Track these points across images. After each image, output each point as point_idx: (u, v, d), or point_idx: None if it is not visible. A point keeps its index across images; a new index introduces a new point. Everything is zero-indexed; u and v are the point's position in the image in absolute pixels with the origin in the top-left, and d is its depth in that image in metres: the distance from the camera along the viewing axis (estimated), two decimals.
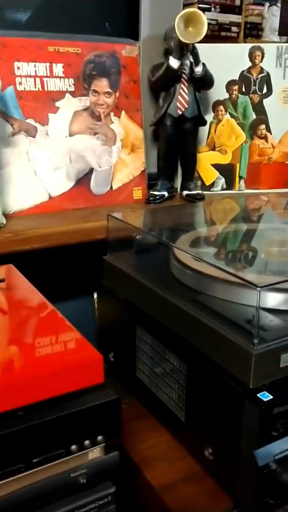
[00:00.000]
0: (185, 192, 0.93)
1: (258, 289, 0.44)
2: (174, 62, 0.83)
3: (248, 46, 0.96)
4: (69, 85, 0.82)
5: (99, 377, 0.41)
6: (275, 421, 0.47)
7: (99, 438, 0.43)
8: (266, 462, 0.47)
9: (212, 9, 2.34)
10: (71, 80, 0.82)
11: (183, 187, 0.95)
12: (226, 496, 0.52)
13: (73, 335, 0.44)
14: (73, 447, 0.41)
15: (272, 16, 2.42)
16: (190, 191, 0.93)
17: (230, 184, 1.01)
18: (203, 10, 2.26)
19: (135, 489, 0.59)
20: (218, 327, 0.49)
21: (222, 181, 1.00)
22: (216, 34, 2.31)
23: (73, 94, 0.83)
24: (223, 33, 2.36)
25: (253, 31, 2.55)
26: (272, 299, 0.51)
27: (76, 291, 0.93)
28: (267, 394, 0.47)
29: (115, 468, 0.45)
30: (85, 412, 0.41)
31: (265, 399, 0.46)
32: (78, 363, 0.41)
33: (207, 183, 1.00)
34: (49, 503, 0.42)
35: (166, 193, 0.91)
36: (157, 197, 0.89)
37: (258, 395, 0.47)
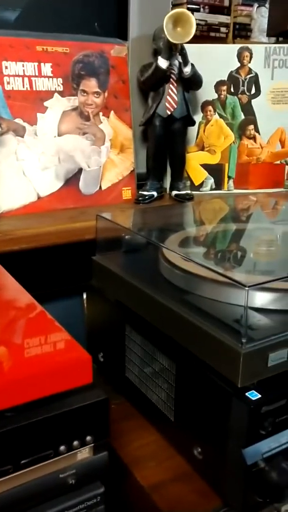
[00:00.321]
0: (174, 192, 0.93)
1: (246, 288, 0.44)
2: (163, 62, 0.83)
3: (237, 46, 0.97)
4: (58, 85, 0.82)
5: (88, 377, 0.41)
6: (263, 420, 0.48)
7: (88, 438, 0.43)
8: (254, 461, 0.48)
9: (201, 9, 2.34)
10: (60, 80, 0.82)
11: (172, 187, 0.95)
12: (215, 495, 0.53)
13: (62, 335, 0.44)
14: (62, 447, 0.41)
15: (260, 17, 2.44)
16: (179, 191, 0.93)
17: (219, 184, 1.01)
18: (192, 10, 2.27)
19: (125, 489, 0.59)
20: (207, 327, 0.49)
21: (211, 181, 1.00)
22: (205, 35, 2.32)
23: (61, 94, 0.83)
24: (212, 34, 2.37)
25: (242, 32, 2.56)
26: (260, 299, 0.51)
27: (66, 291, 0.93)
28: (256, 393, 0.47)
29: (104, 468, 0.45)
30: (74, 412, 0.41)
31: (253, 398, 0.47)
32: (67, 364, 0.41)
33: (196, 183, 1.00)
34: (38, 504, 0.41)
35: (155, 193, 0.91)
36: (146, 197, 0.90)
37: (246, 394, 0.47)
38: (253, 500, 0.49)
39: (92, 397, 0.42)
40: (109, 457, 0.46)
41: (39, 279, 0.88)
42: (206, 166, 1.00)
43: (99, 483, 0.45)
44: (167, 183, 0.97)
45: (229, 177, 1.01)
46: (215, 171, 1.00)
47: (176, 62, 0.86)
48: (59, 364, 0.40)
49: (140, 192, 0.91)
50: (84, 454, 0.43)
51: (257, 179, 1.02)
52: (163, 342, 0.57)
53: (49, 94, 0.81)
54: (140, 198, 0.89)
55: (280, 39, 1.24)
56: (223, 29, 2.45)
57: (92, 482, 0.44)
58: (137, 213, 0.85)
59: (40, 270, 0.87)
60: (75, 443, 0.42)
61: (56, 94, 0.82)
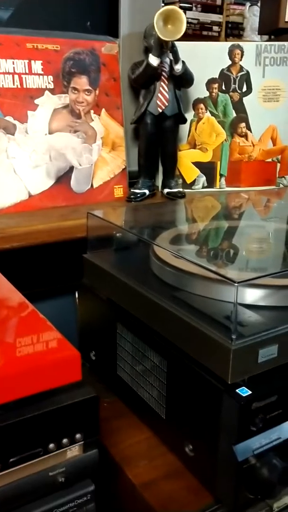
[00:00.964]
0: (166, 190, 0.93)
1: (236, 284, 0.44)
2: (153, 60, 0.83)
3: (228, 44, 0.97)
4: (48, 82, 0.82)
5: (77, 374, 0.41)
6: (254, 416, 0.48)
7: (78, 436, 0.42)
8: (245, 457, 0.48)
9: (194, 8, 2.34)
10: (50, 77, 0.82)
11: (164, 185, 0.95)
12: (207, 492, 0.53)
13: (51, 333, 0.44)
14: (51, 445, 0.41)
15: (253, 16, 2.44)
16: (171, 189, 0.93)
17: (211, 182, 1.01)
18: (185, 9, 2.26)
19: (116, 487, 0.59)
20: (197, 323, 0.49)
21: (203, 179, 1.00)
22: (198, 34, 2.32)
23: (52, 91, 0.82)
24: (204, 33, 2.37)
25: (235, 31, 2.57)
26: (251, 295, 0.51)
27: (58, 290, 0.92)
28: (246, 389, 0.47)
29: (94, 466, 0.44)
30: (63, 410, 0.41)
31: (243, 395, 0.47)
32: (55, 361, 0.40)
33: (188, 181, 1.00)
34: (27, 502, 0.41)
35: (147, 191, 0.91)
36: (138, 195, 0.89)
37: (236, 390, 0.47)
38: (244, 497, 0.49)
39: (81, 394, 0.42)
40: (100, 455, 0.46)
41: (31, 278, 0.87)
42: (198, 164, 1.00)
43: (90, 481, 0.45)
44: (159, 181, 0.97)
45: (221, 175, 1.01)
46: (207, 169, 1.00)
47: (167, 60, 0.86)
48: (48, 361, 0.40)
49: (131, 190, 0.91)
50: (74, 452, 0.43)
51: (249, 177, 1.02)
52: (154, 339, 0.57)
53: (39, 92, 0.81)
54: (131, 196, 0.89)
55: (272, 37, 1.24)
56: (215, 28, 2.45)
57: (82, 480, 0.44)
58: (128, 211, 0.85)
59: (32, 269, 0.87)
60: (65, 441, 0.42)
61: (46, 92, 0.82)
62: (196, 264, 0.53)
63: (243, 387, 0.47)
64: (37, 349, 0.42)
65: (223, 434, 0.48)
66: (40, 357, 0.40)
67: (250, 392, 0.47)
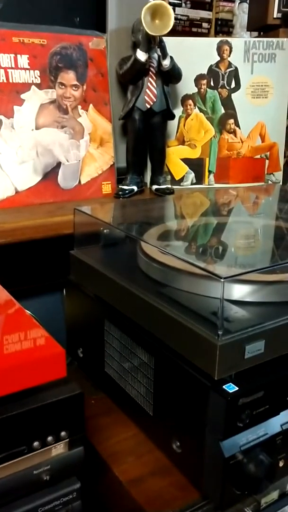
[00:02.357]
0: (154, 187, 0.93)
1: (222, 280, 0.44)
2: (141, 55, 0.82)
3: (216, 40, 0.97)
4: (35, 77, 0.81)
5: (62, 371, 0.40)
6: (240, 412, 0.47)
7: (63, 433, 0.42)
8: (232, 453, 0.48)
9: (183, 4, 2.34)
10: (37, 72, 0.81)
11: (153, 182, 0.94)
12: (194, 488, 0.52)
13: (36, 330, 0.43)
14: (36, 443, 0.40)
15: (242, 13, 2.44)
16: (159, 185, 0.93)
17: (199, 179, 1.01)
18: (174, 5, 2.25)
19: (103, 484, 0.58)
20: (183, 319, 0.48)
21: (191, 175, 1.00)
22: (187, 30, 2.30)
23: (39, 86, 0.81)
24: (194, 29, 2.36)
25: (224, 28, 2.56)
26: (237, 291, 0.51)
27: (47, 287, 0.92)
28: (233, 385, 0.47)
29: (80, 463, 0.44)
30: (48, 407, 0.40)
31: (230, 391, 0.46)
32: (40, 358, 0.40)
33: (177, 178, 1.00)
34: (11, 501, 0.41)
35: (135, 188, 0.90)
36: (126, 191, 0.89)
37: (223, 386, 0.47)
38: (231, 493, 0.49)
39: (66, 391, 0.42)
40: (87, 452, 0.45)
41: (18, 275, 0.87)
42: (186, 161, 0.99)
43: (75, 479, 0.45)
44: (148, 177, 0.97)
45: (209, 172, 1.01)
46: (195, 165, 1.00)
47: (155, 55, 0.85)
48: (32, 358, 0.39)
49: (120, 186, 0.90)
50: (59, 449, 0.42)
51: (237, 174, 1.02)
52: (142, 336, 0.56)
53: (26, 87, 0.80)
54: (120, 193, 0.88)
55: (262, 33, 1.24)
56: (205, 25, 2.44)
57: (67, 477, 0.44)
58: (116, 207, 0.84)
59: (19, 266, 0.86)
60: (50, 438, 0.41)
61: (33, 87, 0.81)
62: (182, 259, 0.53)
63: (230, 383, 0.47)
64: (21, 346, 0.41)
65: (209, 430, 0.48)
66: (25, 354, 0.40)
67: (237, 388, 0.47)
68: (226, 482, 0.48)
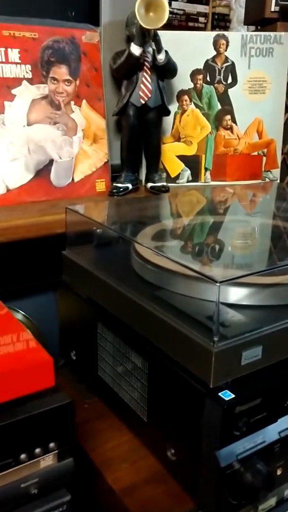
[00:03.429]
0: (149, 184, 0.91)
1: (218, 284, 0.42)
2: (135, 49, 0.80)
3: (212, 34, 0.94)
4: (26, 72, 0.78)
5: (50, 380, 0.38)
6: (237, 421, 0.46)
7: (52, 445, 0.40)
8: (228, 463, 0.46)
9: None
10: (28, 67, 0.79)
11: (148, 179, 0.92)
12: (189, 497, 0.51)
13: (22, 335, 0.42)
14: (23, 456, 0.39)
15: (239, 8, 2.41)
16: (154, 183, 0.91)
17: (195, 176, 0.99)
18: None
19: (96, 493, 0.57)
20: (178, 324, 0.47)
21: (187, 172, 0.98)
22: (184, 25, 2.28)
23: (30, 81, 0.79)
24: (190, 24, 2.33)
25: (221, 22, 2.54)
26: (234, 294, 0.49)
27: (40, 286, 0.90)
28: (229, 392, 0.45)
29: (70, 475, 0.42)
30: (36, 418, 0.39)
31: (226, 398, 0.45)
32: (26, 366, 0.38)
33: (173, 175, 0.98)
34: None
35: (130, 185, 0.88)
36: (121, 189, 0.87)
37: (219, 394, 0.45)
38: (227, 502, 0.47)
39: (55, 401, 0.40)
40: (79, 460, 0.43)
41: (10, 274, 0.85)
42: (182, 158, 0.97)
43: (65, 491, 0.43)
44: (143, 175, 0.95)
45: (206, 169, 0.99)
46: (191, 162, 0.98)
47: (150, 49, 0.83)
48: (18, 366, 0.38)
49: (114, 184, 0.88)
50: (47, 461, 0.40)
51: (234, 171, 1.00)
52: (136, 340, 0.55)
53: (17, 82, 0.78)
54: (114, 191, 0.86)
55: (259, 28, 1.22)
56: (201, 19, 2.42)
57: (57, 490, 0.42)
58: (110, 206, 0.82)
59: (11, 265, 0.84)
60: (38, 450, 0.39)
61: (24, 82, 0.79)
62: (176, 262, 0.51)
63: (226, 390, 0.46)
64: (7, 353, 0.39)
65: (205, 439, 0.46)
66: (10, 362, 0.38)
67: (233, 396, 0.45)
68: (222, 492, 0.47)
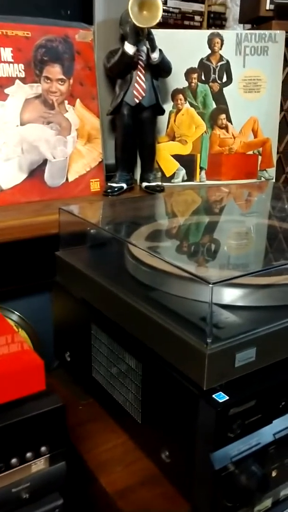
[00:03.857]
0: (144, 184, 0.90)
1: (210, 285, 0.42)
2: (129, 48, 0.80)
3: (207, 32, 0.94)
4: (19, 71, 0.78)
5: (41, 384, 0.38)
6: (231, 423, 0.45)
7: (43, 449, 0.40)
8: (223, 465, 0.46)
9: None
10: (21, 66, 0.78)
11: (143, 179, 0.92)
12: (184, 499, 0.50)
13: (13, 339, 0.41)
14: (14, 460, 0.38)
15: (235, 6, 2.41)
16: (149, 182, 0.90)
17: (191, 175, 0.98)
18: None
19: (90, 496, 0.56)
20: (171, 326, 0.46)
21: (182, 172, 0.98)
22: (179, 23, 2.27)
23: (23, 80, 0.78)
24: (186, 22, 2.32)
25: (217, 21, 2.53)
26: (228, 295, 0.49)
27: (35, 286, 0.89)
28: (223, 394, 0.45)
29: (62, 479, 0.42)
30: (27, 421, 0.38)
31: (220, 400, 0.44)
32: (17, 370, 0.37)
33: (168, 175, 0.97)
34: None
35: (124, 185, 0.88)
36: (115, 189, 0.86)
37: (213, 396, 0.45)
38: (222, 505, 0.47)
39: (47, 404, 0.40)
40: (73, 463, 0.43)
41: (5, 275, 0.84)
42: (177, 157, 0.97)
43: (58, 495, 0.43)
44: (137, 174, 0.94)
45: (201, 168, 0.98)
46: (186, 161, 0.97)
47: (144, 48, 0.83)
48: (8, 370, 0.37)
49: (109, 184, 0.88)
50: (39, 465, 0.40)
51: (229, 170, 1.00)
52: (130, 341, 0.54)
53: (10, 81, 0.77)
54: (108, 190, 0.86)
55: (255, 26, 1.22)
56: (197, 18, 2.41)
57: (49, 494, 0.42)
58: (104, 206, 0.82)
59: (6, 266, 0.84)
60: (29, 454, 0.39)
61: (17, 81, 0.78)
62: (169, 263, 0.50)
63: (220, 392, 0.45)
64: None
65: (199, 441, 0.46)
66: (0, 365, 0.37)
67: (228, 398, 0.45)
68: (217, 495, 0.46)
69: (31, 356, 0.38)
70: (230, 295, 0.49)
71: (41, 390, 0.38)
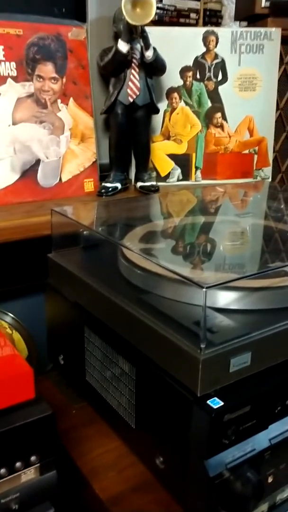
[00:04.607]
0: (139, 184, 0.89)
1: (204, 290, 0.41)
2: (123, 46, 0.79)
3: (202, 30, 0.93)
4: (11, 70, 0.77)
5: (30, 392, 0.37)
6: (226, 429, 0.45)
7: (33, 458, 0.39)
8: (217, 472, 0.45)
9: None
10: (13, 64, 0.77)
11: (137, 179, 0.91)
12: (178, 506, 0.50)
13: (2, 345, 0.40)
14: (2, 470, 0.37)
15: (231, 4, 2.39)
16: (144, 182, 0.89)
17: (186, 175, 0.97)
18: None
19: (82, 502, 0.55)
20: (164, 330, 0.45)
21: (178, 171, 0.97)
22: (174, 21, 2.25)
23: (15, 79, 0.77)
24: (181, 20, 2.30)
25: (213, 19, 2.51)
26: (222, 298, 0.48)
27: (29, 288, 0.88)
28: (217, 400, 0.44)
29: (53, 488, 0.41)
30: (15, 431, 0.37)
31: (215, 406, 0.43)
32: (5, 378, 0.36)
33: (163, 174, 0.96)
34: None
35: (119, 185, 0.87)
36: (110, 189, 0.85)
37: (207, 401, 0.44)
38: None
39: (36, 412, 0.39)
40: (65, 469, 0.42)
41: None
42: (172, 156, 0.96)
43: (49, 504, 0.42)
44: (132, 174, 0.93)
45: (196, 168, 0.97)
46: (182, 161, 0.96)
47: (138, 46, 0.81)
48: None
49: (103, 184, 0.86)
50: (29, 475, 0.39)
51: (225, 170, 0.99)
52: (123, 345, 0.53)
53: (1, 80, 0.76)
54: (103, 190, 0.85)
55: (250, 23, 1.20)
56: (193, 15, 2.39)
57: (39, 503, 0.41)
58: (98, 207, 0.81)
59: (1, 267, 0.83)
60: (18, 464, 0.38)
61: (9, 80, 0.77)
62: (161, 266, 0.49)
63: (214, 398, 0.44)
64: None
65: (193, 448, 0.45)
66: None
67: (222, 403, 0.44)
68: (212, 502, 0.46)
69: (20, 364, 0.37)
70: (224, 298, 0.48)
71: (30, 399, 0.37)
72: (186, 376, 0.43)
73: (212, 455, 0.45)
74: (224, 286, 0.46)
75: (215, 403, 0.44)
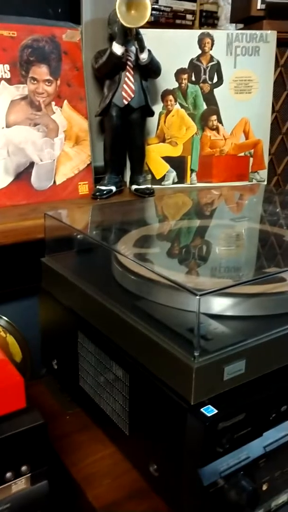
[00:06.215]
0: (134, 187, 0.89)
1: (198, 297, 0.40)
2: (117, 48, 0.78)
3: (197, 32, 0.92)
4: (4, 72, 0.76)
5: (21, 402, 0.36)
6: (220, 437, 0.44)
7: (24, 468, 0.38)
8: (212, 481, 0.44)
9: None
10: (7, 66, 0.76)
11: (132, 181, 0.90)
12: None
13: None
14: None
15: (227, 5, 2.39)
16: (139, 185, 0.88)
17: (181, 178, 0.97)
18: None
19: (76, 509, 0.55)
20: (157, 337, 0.45)
21: (173, 174, 0.96)
22: (171, 22, 2.25)
23: (9, 81, 0.77)
24: (177, 21, 2.30)
25: (209, 20, 2.51)
26: (216, 305, 0.47)
27: (23, 291, 0.88)
28: (211, 408, 0.44)
29: (45, 498, 0.40)
30: (5, 441, 0.36)
31: (209, 414, 0.43)
32: None
33: (158, 177, 0.96)
34: None
35: (114, 188, 0.86)
36: (104, 192, 0.85)
37: (201, 409, 0.43)
38: None
39: (27, 422, 0.38)
40: (58, 476, 0.41)
41: None
42: (167, 159, 0.95)
43: None
44: (127, 177, 0.92)
45: (191, 170, 0.97)
46: (177, 163, 0.96)
47: (133, 48, 0.81)
48: None
49: (97, 186, 0.86)
50: (20, 485, 0.38)
51: (220, 172, 0.98)
52: (116, 351, 0.53)
53: None
54: (97, 193, 0.84)
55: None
56: (189, 17, 2.39)
57: None
58: (92, 210, 0.80)
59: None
60: (8, 475, 0.37)
61: (3, 82, 0.76)
62: (154, 272, 0.49)
63: (209, 406, 0.44)
64: None
65: (187, 456, 0.44)
66: None
67: (216, 411, 0.43)
68: (206, 510, 0.45)
69: (11, 373, 0.37)
70: (219, 305, 0.47)
71: (21, 408, 0.36)
72: (179, 384, 0.43)
73: (206, 463, 0.44)
74: (218, 292, 0.46)
75: (209, 411, 0.43)
